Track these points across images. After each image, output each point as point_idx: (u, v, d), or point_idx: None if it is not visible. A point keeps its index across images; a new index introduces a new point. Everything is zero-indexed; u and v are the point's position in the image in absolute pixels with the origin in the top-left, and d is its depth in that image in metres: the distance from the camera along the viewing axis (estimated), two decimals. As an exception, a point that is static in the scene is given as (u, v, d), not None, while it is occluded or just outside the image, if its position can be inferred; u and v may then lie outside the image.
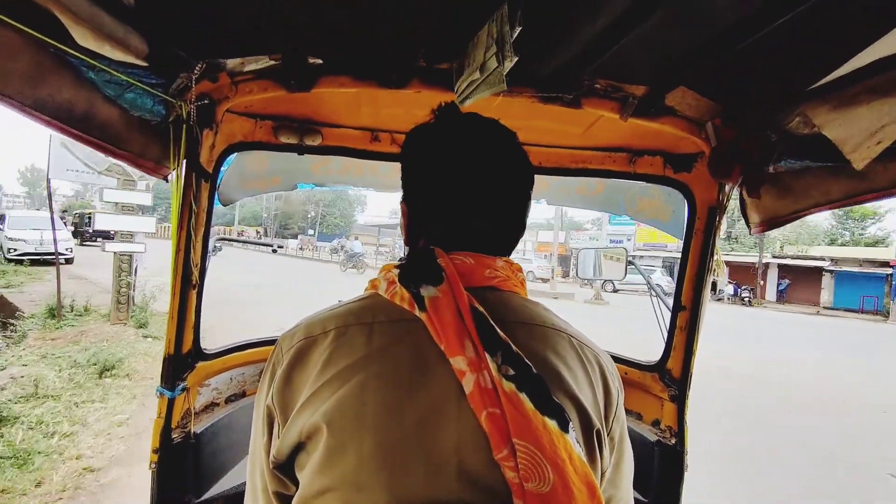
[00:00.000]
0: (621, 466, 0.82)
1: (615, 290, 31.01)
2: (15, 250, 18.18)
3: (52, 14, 0.80)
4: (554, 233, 29.25)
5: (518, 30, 0.85)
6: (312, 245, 50.53)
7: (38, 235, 18.02)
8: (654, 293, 1.95)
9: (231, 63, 1.22)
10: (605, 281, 30.14)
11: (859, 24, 0.86)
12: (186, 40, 1.09)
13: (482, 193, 0.81)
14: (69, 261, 18.53)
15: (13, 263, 17.39)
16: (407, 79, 1.24)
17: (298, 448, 0.72)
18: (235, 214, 62.68)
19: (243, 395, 1.77)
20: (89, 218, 34.57)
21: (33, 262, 18.01)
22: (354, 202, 78.85)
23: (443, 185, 0.82)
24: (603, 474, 0.77)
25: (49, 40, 0.85)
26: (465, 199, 0.81)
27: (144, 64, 1.02)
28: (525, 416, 0.66)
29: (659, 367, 1.78)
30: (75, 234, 33.88)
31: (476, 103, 1.09)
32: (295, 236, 60.48)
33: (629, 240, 38.75)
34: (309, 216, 68.95)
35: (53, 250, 8.15)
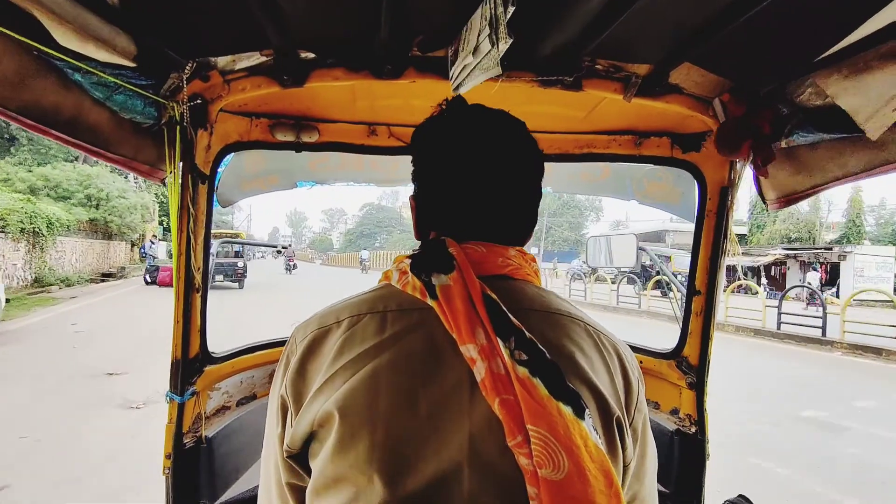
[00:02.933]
0: (645, 459, 0.81)
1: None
2: None
3: (34, 16, 0.78)
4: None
5: (511, 9, 0.82)
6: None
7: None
8: (668, 279, 1.92)
9: (222, 61, 1.20)
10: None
11: None
12: (175, 39, 1.07)
13: (488, 181, 0.80)
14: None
15: None
16: (401, 69, 1.20)
17: (311, 437, 0.72)
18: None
19: (254, 397, 1.76)
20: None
21: None
22: (585, 209, 64.20)
23: (449, 173, 0.81)
24: (626, 467, 0.75)
25: (31, 42, 0.83)
26: (472, 186, 0.80)
27: (133, 65, 1.00)
28: (539, 402, 0.65)
29: (675, 355, 1.75)
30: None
31: (474, 90, 1.06)
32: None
33: None
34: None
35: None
